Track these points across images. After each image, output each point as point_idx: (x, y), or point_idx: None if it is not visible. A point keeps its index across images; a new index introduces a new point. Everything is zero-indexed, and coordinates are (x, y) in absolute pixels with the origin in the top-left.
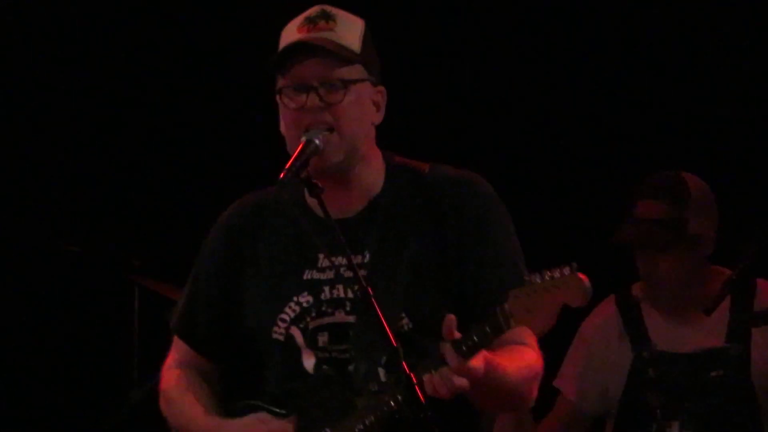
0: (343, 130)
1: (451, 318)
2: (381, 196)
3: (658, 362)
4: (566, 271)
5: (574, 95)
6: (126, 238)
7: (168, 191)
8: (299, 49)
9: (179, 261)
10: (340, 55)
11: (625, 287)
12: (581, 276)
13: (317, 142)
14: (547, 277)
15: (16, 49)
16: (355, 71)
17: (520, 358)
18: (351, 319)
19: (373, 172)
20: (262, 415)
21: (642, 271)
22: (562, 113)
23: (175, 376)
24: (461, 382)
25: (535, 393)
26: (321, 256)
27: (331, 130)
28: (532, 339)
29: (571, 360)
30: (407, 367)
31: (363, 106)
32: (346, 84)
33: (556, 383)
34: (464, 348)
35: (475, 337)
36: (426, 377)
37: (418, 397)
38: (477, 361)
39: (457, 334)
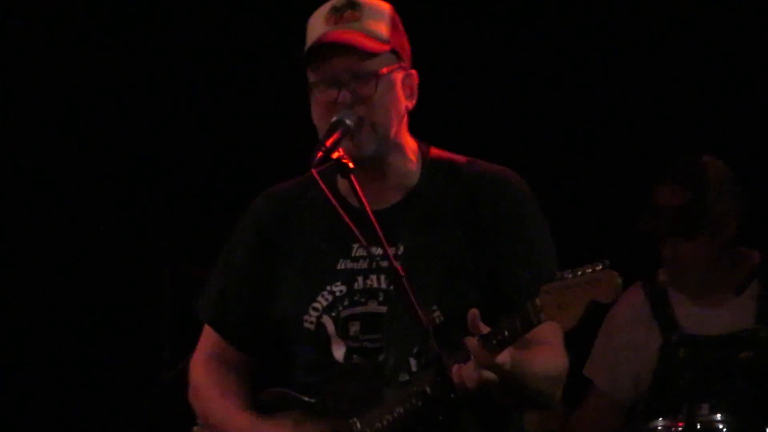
0: (376, 121)
1: (474, 312)
2: (417, 188)
3: (687, 345)
4: (598, 267)
5: (597, 83)
6: (157, 218)
7: (199, 173)
8: (328, 43)
9: (210, 242)
10: (369, 48)
11: (652, 272)
12: (613, 272)
13: (348, 122)
14: (579, 273)
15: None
16: (385, 60)
17: (546, 359)
18: (383, 309)
19: (408, 161)
20: (295, 415)
21: (666, 258)
22: (585, 101)
23: (205, 371)
24: (488, 375)
25: (559, 394)
26: (355, 245)
27: (362, 119)
28: (558, 339)
29: (601, 349)
30: (438, 352)
31: (395, 93)
32: (377, 75)
33: (586, 372)
34: (494, 342)
35: (505, 332)
36: (455, 367)
37: (449, 380)
38: (504, 357)
39: (486, 328)
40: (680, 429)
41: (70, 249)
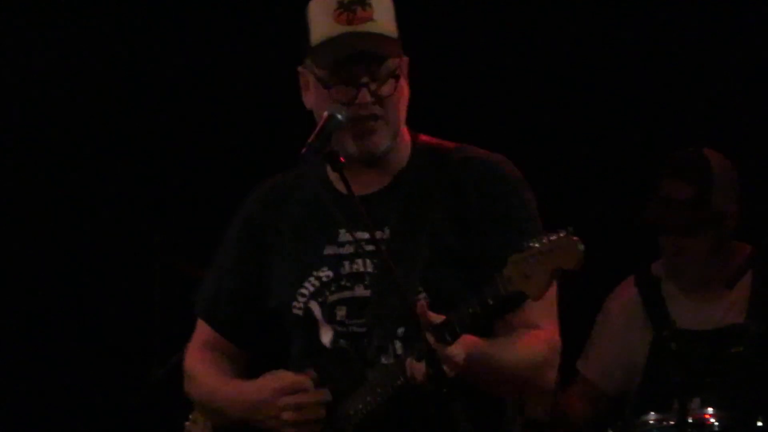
0: (392, 118)
1: (422, 305)
2: (404, 173)
3: (678, 340)
4: (561, 234)
5: (597, 73)
6: (148, 214)
7: (191, 168)
8: (344, 43)
9: (201, 238)
10: (389, 52)
11: (645, 266)
12: (574, 238)
13: (340, 117)
14: (544, 241)
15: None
16: (398, 57)
17: (524, 345)
18: (369, 293)
19: (400, 149)
20: (280, 372)
21: (666, 253)
22: (583, 91)
23: (199, 355)
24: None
25: (547, 378)
26: (342, 231)
27: (375, 118)
28: (547, 321)
29: (594, 342)
30: (424, 338)
31: (406, 87)
32: (396, 76)
33: (579, 367)
34: (446, 333)
35: (455, 324)
36: (407, 361)
37: (439, 367)
38: (454, 349)
39: (438, 318)
40: (672, 423)
41: (60, 246)
